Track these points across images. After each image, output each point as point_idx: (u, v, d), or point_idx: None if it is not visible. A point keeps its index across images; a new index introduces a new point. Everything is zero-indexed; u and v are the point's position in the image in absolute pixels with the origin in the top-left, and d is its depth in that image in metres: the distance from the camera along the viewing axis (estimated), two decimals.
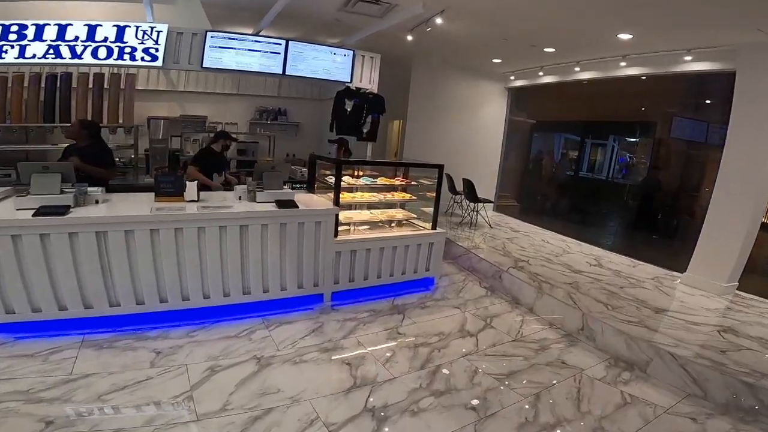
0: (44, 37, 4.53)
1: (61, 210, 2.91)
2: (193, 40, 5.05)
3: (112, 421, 2.30)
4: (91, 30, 4.61)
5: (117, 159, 5.62)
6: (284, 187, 3.93)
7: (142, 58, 4.76)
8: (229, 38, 5.19)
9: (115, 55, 4.67)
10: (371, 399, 2.70)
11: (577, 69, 6.77)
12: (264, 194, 3.68)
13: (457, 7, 4.65)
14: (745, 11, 3.73)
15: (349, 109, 6.01)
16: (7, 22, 4.42)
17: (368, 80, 6.26)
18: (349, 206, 4.72)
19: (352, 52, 5.99)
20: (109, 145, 4.45)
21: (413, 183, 4.96)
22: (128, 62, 4.72)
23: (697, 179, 6.61)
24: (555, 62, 6.96)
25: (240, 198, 3.74)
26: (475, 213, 7.15)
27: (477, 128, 8.51)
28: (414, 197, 4.95)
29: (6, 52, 4.45)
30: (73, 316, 3.07)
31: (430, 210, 4.71)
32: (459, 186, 7.32)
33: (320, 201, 4.14)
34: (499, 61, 7.37)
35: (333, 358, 3.17)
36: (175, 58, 4.95)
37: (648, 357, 3.39)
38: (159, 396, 2.55)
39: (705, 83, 6.15)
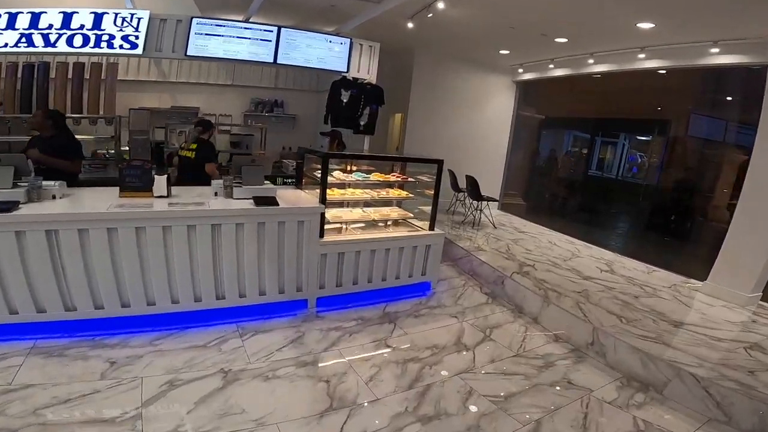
0: (17, 26, 4.29)
1: (7, 206, 2.61)
2: (178, 27, 4.74)
3: None
4: (67, 17, 4.34)
5: (105, 152, 5.38)
6: (266, 182, 3.59)
7: (121, 46, 4.47)
8: (216, 25, 4.86)
9: (91, 43, 4.38)
10: (348, 425, 2.36)
11: (590, 61, 6.35)
12: (242, 190, 3.34)
13: None
14: None
15: (345, 100, 5.66)
16: None
17: (367, 70, 5.90)
18: (340, 204, 4.39)
19: (349, 40, 5.63)
20: (90, 137, 4.19)
21: (410, 179, 4.60)
22: (105, 50, 4.43)
23: (713, 179, 6.27)
24: (567, 54, 6.54)
25: (216, 194, 3.41)
26: (478, 212, 6.77)
27: (482, 123, 8.11)
28: (411, 195, 4.59)
29: None
30: (24, 320, 2.79)
31: (429, 209, 4.35)
32: (462, 183, 6.95)
33: (307, 198, 3.80)
34: (507, 52, 6.96)
35: (310, 374, 2.84)
36: (157, 46, 4.65)
37: (666, 377, 3.03)
38: (103, 413, 2.25)
39: (726, 78, 5.75)
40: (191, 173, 4.01)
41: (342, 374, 2.86)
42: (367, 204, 4.52)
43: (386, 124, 8.14)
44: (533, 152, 9.32)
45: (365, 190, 4.36)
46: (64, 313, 2.86)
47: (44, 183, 2.93)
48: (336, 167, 4.47)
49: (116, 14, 4.44)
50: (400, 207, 4.71)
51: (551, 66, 7.09)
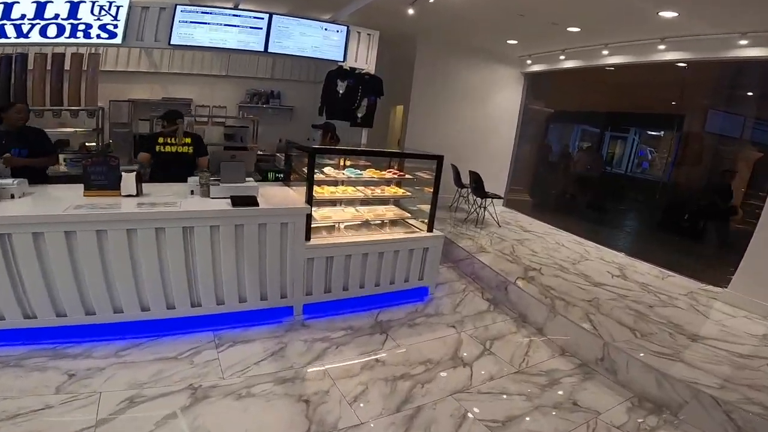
0: None
1: None
2: (161, 14, 4.46)
3: None
4: (40, 7, 4.07)
5: (95, 144, 5.13)
6: (248, 179, 3.31)
7: (99, 36, 4.20)
8: (202, 12, 4.57)
9: (66, 33, 4.13)
10: None
11: (605, 52, 5.97)
12: (219, 189, 3.06)
13: None
14: None
15: (341, 91, 5.36)
16: None
17: (365, 60, 5.58)
18: (333, 203, 4.10)
19: (346, 28, 5.31)
20: (71, 130, 3.95)
21: (408, 176, 4.29)
22: (81, 40, 4.18)
23: (729, 178, 5.90)
24: (580, 44, 6.16)
25: (192, 192, 3.14)
26: (482, 209, 6.45)
27: (488, 116, 7.75)
28: (409, 193, 4.29)
29: None
30: None
31: (428, 207, 4.04)
32: (465, 179, 6.63)
33: (293, 197, 3.52)
34: (515, 42, 6.59)
35: (289, 392, 2.57)
36: (138, 35, 4.38)
37: (682, 399, 2.74)
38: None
39: (747, 72, 5.38)
40: (186, 169, 3.72)
41: (324, 393, 2.60)
42: (364, 202, 4.23)
43: (386, 116, 7.82)
44: (544, 147, 8.97)
45: (358, 188, 4.06)
46: (23, 320, 2.63)
47: (1, 182, 2.67)
48: (329, 162, 4.18)
49: (93, 2, 4.16)
50: (397, 206, 4.43)
51: (562, 57, 6.72)
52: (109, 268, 2.66)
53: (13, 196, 2.71)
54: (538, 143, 8.85)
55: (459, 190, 7.00)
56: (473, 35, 6.38)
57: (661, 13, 4.26)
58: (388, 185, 4.33)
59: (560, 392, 2.85)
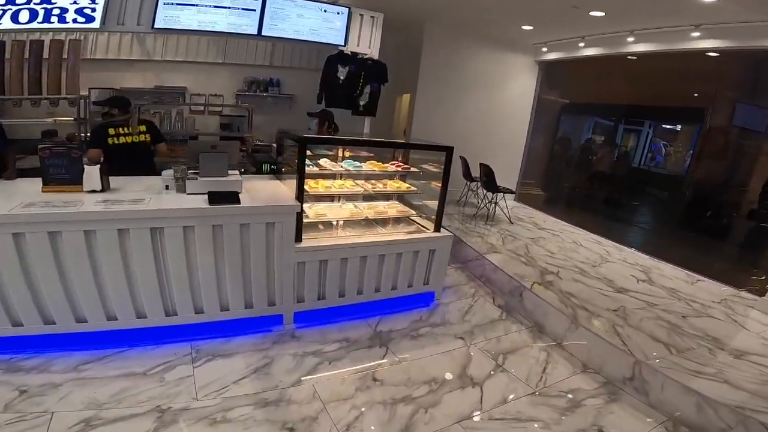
0: None
1: None
2: None
3: None
4: None
5: (83, 134, 4.79)
6: (232, 172, 2.95)
7: (75, 20, 3.84)
8: None
9: (40, 18, 3.78)
10: None
11: (630, 39, 5.49)
12: (196, 183, 2.71)
13: None
14: None
15: (342, 77, 4.96)
16: None
17: (368, 44, 5.16)
18: (330, 198, 3.74)
19: (347, 9, 4.90)
20: (48, 120, 3.62)
21: (414, 169, 3.89)
22: (56, 25, 3.82)
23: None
24: (602, 31, 5.69)
25: (167, 188, 2.79)
26: (493, 205, 6.04)
27: (500, 106, 7.31)
28: (413, 188, 3.91)
29: None
30: None
31: (435, 203, 3.65)
32: (475, 171, 6.22)
33: (284, 192, 3.15)
34: (530, 28, 6.12)
35: (271, 417, 2.23)
36: (119, 18, 4.01)
37: (726, 425, 2.38)
38: None
39: None
40: (145, 159, 3.38)
41: (312, 419, 2.25)
42: (365, 198, 3.86)
43: (391, 105, 7.41)
44: (560, 139, 8.53)
45: (357, 182, 3.69)
46: None
47: None
48: (327, 154, 3.80)
49: None
50: (401, 201, 4.05)
51: (581, 45, 6.24)
52: (67, 273, 2.33)
53: None
54: (552, 135, 8.41)
55: (468, 183, 6.60)
56: (485, 19, 5.92)
57: None
58: (392, 179, 3.96)
59: (583, 417, 2.49)
